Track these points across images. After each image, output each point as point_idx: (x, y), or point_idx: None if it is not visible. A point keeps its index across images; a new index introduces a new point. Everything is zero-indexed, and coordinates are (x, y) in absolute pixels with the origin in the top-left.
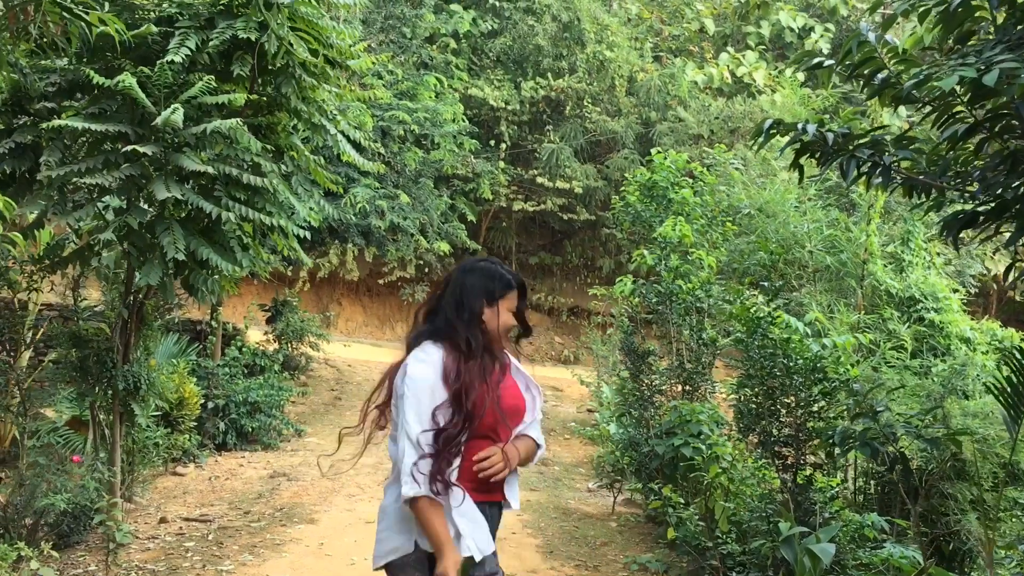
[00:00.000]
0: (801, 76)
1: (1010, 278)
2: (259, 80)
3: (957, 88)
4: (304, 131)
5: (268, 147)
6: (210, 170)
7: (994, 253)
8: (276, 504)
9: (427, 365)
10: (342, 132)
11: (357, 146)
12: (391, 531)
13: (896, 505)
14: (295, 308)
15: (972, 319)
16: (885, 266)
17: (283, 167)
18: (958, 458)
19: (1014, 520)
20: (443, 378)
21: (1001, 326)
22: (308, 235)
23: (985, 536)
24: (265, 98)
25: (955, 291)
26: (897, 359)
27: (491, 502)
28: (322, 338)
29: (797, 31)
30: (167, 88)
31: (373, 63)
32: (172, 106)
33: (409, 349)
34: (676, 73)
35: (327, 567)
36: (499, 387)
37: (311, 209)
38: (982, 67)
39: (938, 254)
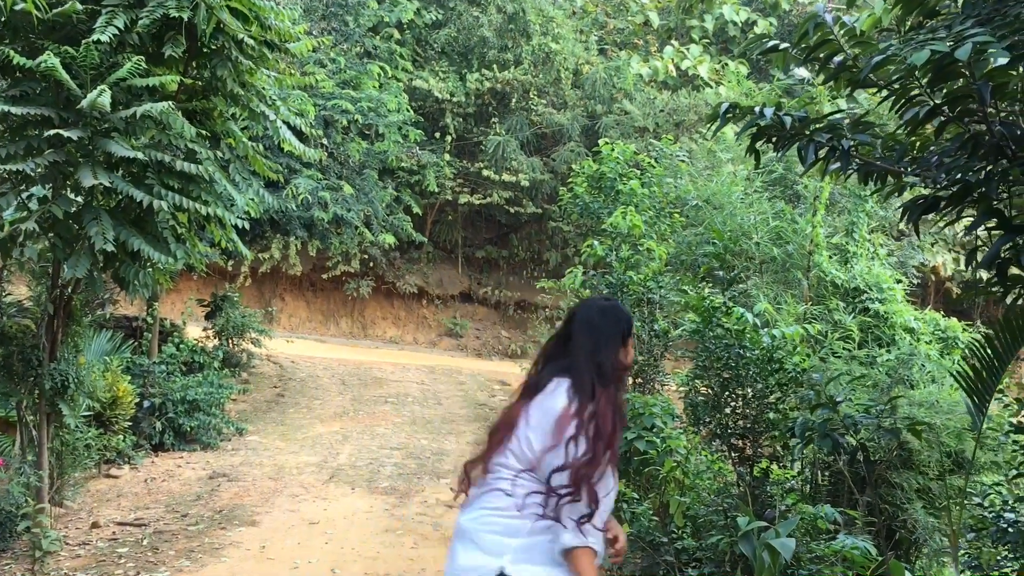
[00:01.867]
0: (745, 69)
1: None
2: (193, 63)
3: (917, 73)
4: (243, 117)
5: (204, 133)
6: (140, 156)
7: (932, 245)
8: (215, 506)
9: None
10: (283, 119)
11: (299, 134)
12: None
13: (844, 495)
14: (235, 303)
15: (915, 309)
16: (830, 257)
17: (220, 154)
18: (904, 447)
19: (957, 508)
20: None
21: (944, 316)
22: (247, 226)
23: (950, 528)
24: (200, 82)
25: (898, 282)
26: (844, 349)
27: None
28: (264, 334)
29: (740, 25)
30: (94, 70)
31: (314, 48)
32: (99, 88)
33: (539, 386)
34: (621, 66)
35: (269, 571)
36: None
37: (251, 199)
38: (952, 42)
39: (881, 245)
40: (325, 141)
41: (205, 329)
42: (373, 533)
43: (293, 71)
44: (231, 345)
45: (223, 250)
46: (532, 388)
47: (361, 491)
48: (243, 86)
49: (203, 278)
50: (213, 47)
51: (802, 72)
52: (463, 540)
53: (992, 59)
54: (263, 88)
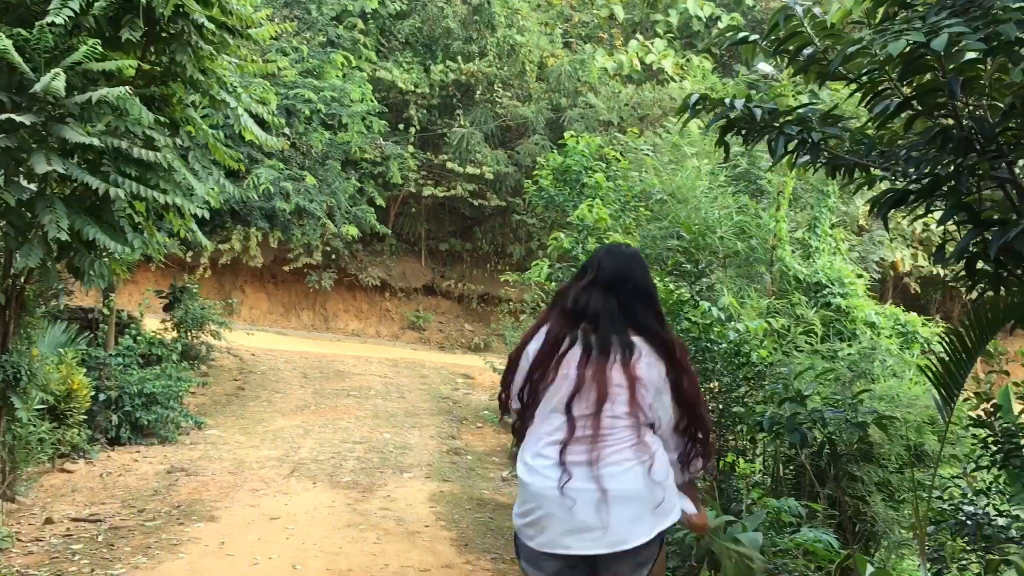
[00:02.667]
0: (709, 64)
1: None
2: (152, 48)
3: (887, 66)
4: (203, 105)
5: (162, 120)
6: (96, 143)
7: (891, 241)
8: (173, 501)
9: None
10: (244, 108)
11: (261, 123)
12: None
13: (805, 488)
14: (194, 295)
15: (875, 304)
16: (793, 252)
17: (179, 142)
18: (865, 441)
19: (922, 501)
20: None
21: (904, 311)
22: (207, 215)
23: (916, 521)
24: (159, 67)
25: (859, 276)
26: (807, 343)
27: None
28: (224, 326)
29: (704, 20)
30: (48, 53)
31: (276, 35)
32: (53, 72)
33: (606, 345)
34: (586, 59)
35: (228, 568)
36: None
37: (211, 189)
38: (927, 32)
39: (843, 240)
40: (288, 131)
41: (163, 321)
42: (335, 528)
43: (255, 58)
44: (190, 337)
45: (182, 240)
46: (600, 347)
47: (323, 485)
48: (203, 72)
49: (162, 269)
50: (172, 31)
51: (766, 68)
52: (620, 502)
53: (966, 51)
54: (224, 75)
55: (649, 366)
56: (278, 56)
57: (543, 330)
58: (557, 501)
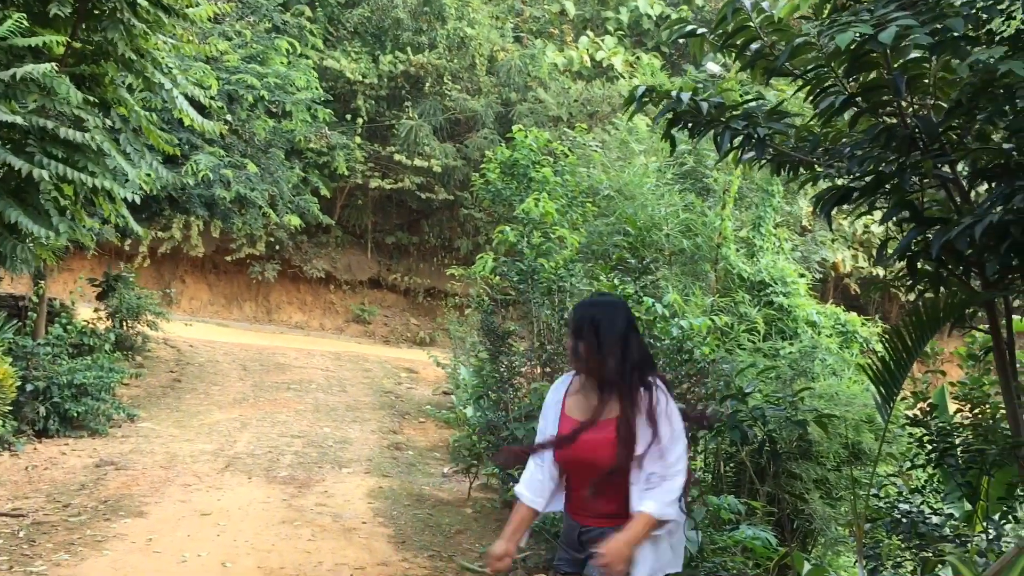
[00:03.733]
0: (658, 62)
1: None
2: (84, 25)
3: (832, 62)
4: (138, 87)
5: (92, 100)
6: (21, 121)
7: (833, 241)
8: (101, 496)
9: None
10: (181, 90)
11: (200, 108)
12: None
13: (745, 486)
14: (130, 284)
15: (816, 304)
16: (737, 250)
17: (111, 123)
18: (804, 439)
19: (860, 499)
20: None
21: (844, 311)
22: (138, 199)
23: (855, 516)
24: (91, 46)
25: (801, 276)
26: (750, 341)
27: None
28: (161, 316)
29: (654, 18)
30: None
31: (215, 16)
32: None
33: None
34: (536, 54)
35: (154, 566)
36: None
37: (147, 174)
38: (875, 25)
39: (786, 240)
40: (229, 117)
41: (96, 310)
42: (269, 524)
43: (192, 38)
44: (126, 328)
45: (116, 227)
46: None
47: (258, 480)
48: (137, 52)
49: (99, 257)
50: (104, 8)
51: (714, 68)
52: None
53: (913, 46)
54: (160, 55)
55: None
56: (220, 40)
57: None
58: None
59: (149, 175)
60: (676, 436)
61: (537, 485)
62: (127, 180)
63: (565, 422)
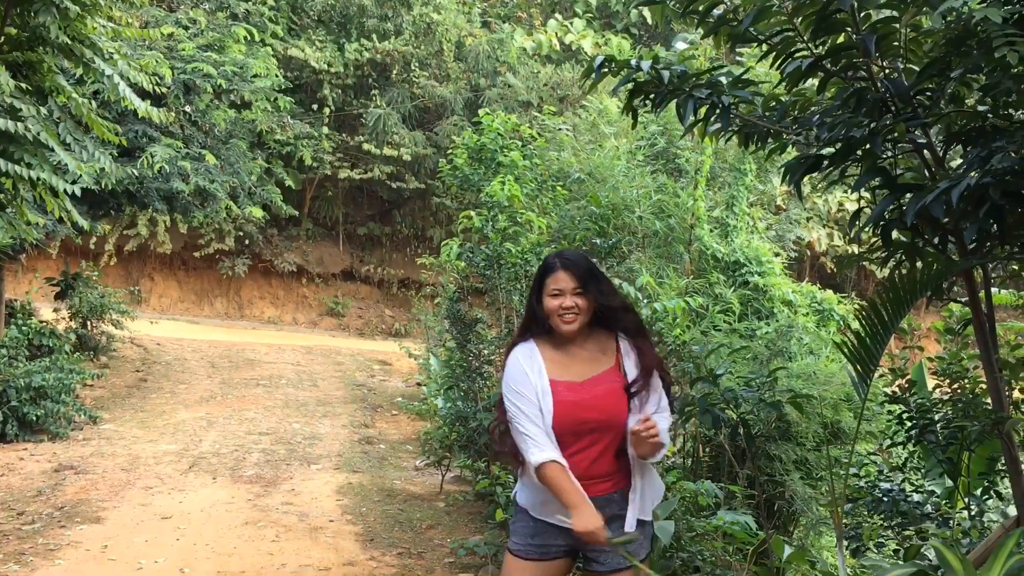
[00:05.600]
0: (627, 44)
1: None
2: (16, 9)
3: (799, 24)
4: (78, 74)
5: (26, 88)
6: None
7: (808, 220)
8: (57, 502)
9: None
10: (123, 76)
11: (148, 95)
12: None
13: (724, 469)
14: (92, 282)
15: (792, 283)
16: (711, 231)
17: (49, 112)
18: (783, 419)
19: (839, 478)
20: None
21: (820, 289)
22: (78, 191)
23: (833, 499)
24: (25, 32)
25: (776, 255)
26: (725, 322)
27: None
28: (126, 315)
29: (622, 0)
30: None
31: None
32: None
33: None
34: (505, 39)
35: (108, 574)
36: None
37: (99, 168)
38: None
39: (760, 219)
40: (189, 108)
41: (56, 310)
42: (231, 527)
43: (132, 21)
44: (89, 327)
45: (73, 225)
46: None
47: (223, 480)
48: (74, 37)
49: (63, 256)
50: None
51: (682, 47)
52: None
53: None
54: (99, 40)
55: None
56: (173, 27)
57: None
58: None
59: (102, 169)
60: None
61: (554, 447)
62: (67, 172)
63: (558, 386)
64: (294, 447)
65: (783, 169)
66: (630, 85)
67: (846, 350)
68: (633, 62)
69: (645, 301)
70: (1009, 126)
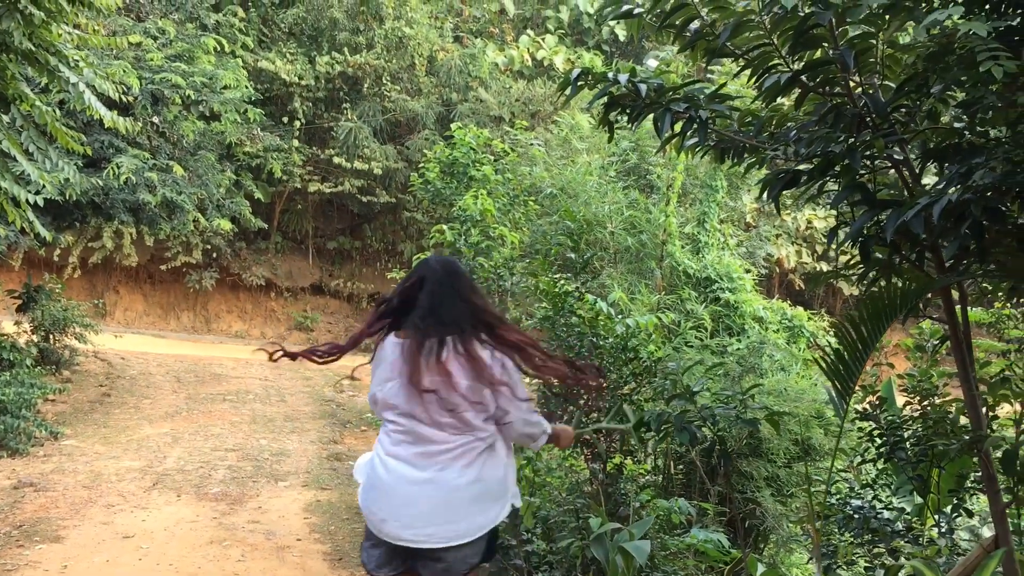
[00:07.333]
0: (599, 60)
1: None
2: None
3: (776, 40)
4: (46, 82)
5: None
6: None
7: (777, 237)
8: (15, 521)
9: None
10: (88, 84)
11: (114, 104)
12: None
13: (695, 486)
14: (55, 295)
15: (762, 299)
16: (683, 247)
17: (11, 120)
18: (754, 436)
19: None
20: None
21: (790, 306)
22: (40, 201)
23: (809, 513)
24: None
25: (747, 271)
26: (697, 338)
27: None
28: (90, 329)
29: (594, 16)
30: None
31: (124, 6)
32: None
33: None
34: (477, 54)
35: None
36: None
37: (63, 178)
38: None
39: (731, 236)
40: (156, 119)
41: (18, 323)
42: (195, 546)
43: (98, 28)
44: (52, 341)
45: (37, 236)
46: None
47: (188, 498)
48: (37, 44)
49: (26, 268)
50: None
51: (653, 64)
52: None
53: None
54: (66, 50)
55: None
56: (145, 39)
57: None
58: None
59: (66, 179)
60: (518, 378)
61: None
62: (30, 182)
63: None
64: (261, 463)
65: (761, 184)
66: (606, 98)
67: (824, 366)
68: (610, 75)
69: (618, 317)
70: (986, 143)
